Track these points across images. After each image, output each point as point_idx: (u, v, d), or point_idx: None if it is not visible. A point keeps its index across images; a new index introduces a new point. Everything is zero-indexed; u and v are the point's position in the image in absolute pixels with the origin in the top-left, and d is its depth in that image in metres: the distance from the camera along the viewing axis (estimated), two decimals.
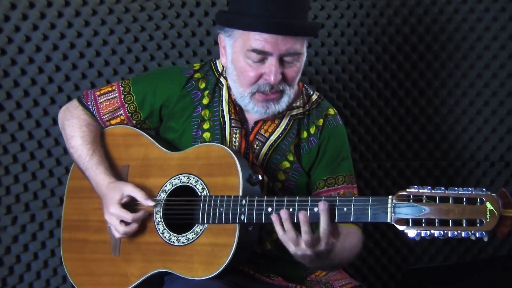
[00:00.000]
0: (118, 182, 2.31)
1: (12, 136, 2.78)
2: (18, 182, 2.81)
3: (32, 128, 2.80)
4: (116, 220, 2.25)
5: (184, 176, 2.25)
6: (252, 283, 2.26)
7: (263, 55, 2.16)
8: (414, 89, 3.43)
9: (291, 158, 2.33)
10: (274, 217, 2.02)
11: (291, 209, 2.03)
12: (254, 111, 2.27)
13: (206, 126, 2.35)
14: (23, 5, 2.70)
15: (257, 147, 2.32)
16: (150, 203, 2.23)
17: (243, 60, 2.19)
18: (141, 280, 2.26)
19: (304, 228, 1.98)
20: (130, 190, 2.26)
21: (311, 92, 2.41)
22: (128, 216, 2.24)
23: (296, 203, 2.04)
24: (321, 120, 2.36)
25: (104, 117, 2.44)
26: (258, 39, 2.14)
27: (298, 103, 2.36)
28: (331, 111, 2.39)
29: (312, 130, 2.35)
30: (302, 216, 1.98)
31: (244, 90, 2.23)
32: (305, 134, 2.35)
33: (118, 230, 2.26)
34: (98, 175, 2.33)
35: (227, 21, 2.23)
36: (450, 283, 3.29)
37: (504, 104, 3.51)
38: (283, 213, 2.00)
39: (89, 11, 2.82)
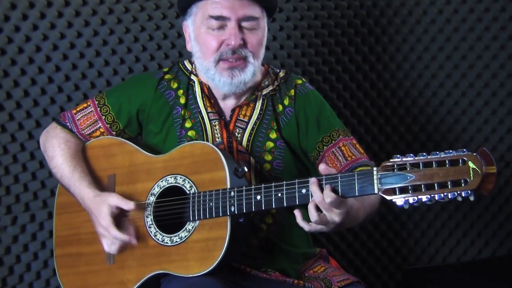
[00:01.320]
0: (102, 194, 2.32)
1: (12, 136, 2.78)
2: (18, 182, 2.82)
3: (32, 128, 2.81)
4: (106, 231, 2.27)
5: (171, 177, 2.26)
6: (249, 280, 2.26)
7: (221, 21, 2.24)
8: (413, 89, 3.43)
9: (273, 136, 2.35)
10: (311, 205, 2.00)
11: (279, 194, 2.06)
12: (221, 83, 2.29)
13: (188, 124, 2.37)
14: (23, 5, 2.70)
15: (239, 134, 2.34)
16: (131, 205, 2.24)
17: (204, 31, 2.27)
18: (138, 284, 2.26)
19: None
20: (114, 201, 2.27)
21: (278, 70, 2.46)
22: (116, 234, 2.24)
23: (284, 187, 2.06)
24: (292, 90, 2.40)
25: (83, 132, 2.45)
26: (215, 6, 2.23)
27: (266, 82, 2.40)
28: (299, 81, 2.44)
29: (286, 102, 2.38)
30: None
31: (208, 61, 2.28)
32: (280, 108, 2.38)
33: (109, 245, 2.28)
34: (82, 190, 2.34)
35: (186, 0, 2.31)
36: (450, 283, 3.29)
37: (504, 104, 3.51)
38: (311, 181, 2.00)
39: (89, 11, 2.82)
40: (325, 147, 2.34)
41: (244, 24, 2.25)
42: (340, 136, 2.36)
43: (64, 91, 2.84)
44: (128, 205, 2.25)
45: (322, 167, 2.02)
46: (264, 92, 2.38)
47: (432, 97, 3.46)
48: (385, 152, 3.44)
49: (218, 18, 2.23)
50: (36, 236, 2.88)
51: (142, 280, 2.25)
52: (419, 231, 3.55)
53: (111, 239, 2.27)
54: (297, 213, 2.03)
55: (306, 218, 2.04)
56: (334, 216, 2.00)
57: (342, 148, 2.34)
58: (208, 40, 2.27)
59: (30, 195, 2.85)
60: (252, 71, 2.28)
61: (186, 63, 2.45)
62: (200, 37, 2.29)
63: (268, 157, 2.33)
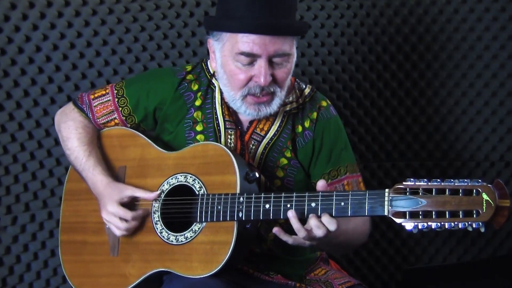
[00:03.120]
0: (116, 183, 2.32)
1: (12, 136, 2.78)
2: (18, 182, 2.82)
3: (32, 128, 2.81)
4: (115, 217, 2.26)
5: (181, 175, 2.26)
6: (251, 282, 2.26)
7: (252, 58, 2.16)
8: (414, 89, 3.43)
9: (288, 154, 2.33)
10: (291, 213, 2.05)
11: (288, 205, 2.05)
12: (246, 114, 2.27)
13: (199, 128, 2.35)
14: (23, 5, 2.70)
15: (253, 147, 2.32)
16: (154, 194, 2.24)
17: (232, 63, 2.19)
18: (140, 280, 2.26)
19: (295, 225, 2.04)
20: (130, 191, 2.27)
21: (304, 86, 2.41)
22: (127, 214, 2.24)
23: (294, 198, 2.05)
24: (315, 113, 2.36)
25: (98, 120, 2.44)
26: (246, 41, 2.14)
27: (290, 98, 2.35)
28: (324, 103, 2.39)
29: (306, 124, 2.35)
30: (290, 214, 2.03)
31: (235, 94, 2.23)
32: (300, 128, 2.35)
33: (119, 227, 2.26)
34: (96, 176, 2.34)
35: (214, 25, 2.23)
36: (450, 283, 3.30)
37: (504, 104, 3.51)
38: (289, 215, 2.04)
39: (89, 11, 2.82)
40: (329, 180, 2.33)
41: (275, 60, 2.17)
42: (347, 173, 2.34)
43: (64, 91, 2.84)
44: (150, 195, 2.24)
45: (320, 184, 2.04)
46: (287, 108, 2.34)
47: (433, 97, 3.45)
48: (385, 152, 3.44)
49: (248, 55, 2.15)
50: (36, 236, 2.88)
51: (144, 276, 2.26)
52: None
53: (117, 221, 2.26)
54: (277, 231, 2.05)
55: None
56: (322, 233, 2.02)
57: (346, 186, 2.33)
58: (236, 74, 2.19)
59: (30, 195, 2.85)
60: (278, 103, 2.24)
61: (209, 64, 2.39)
62: (228, 68, 2.21)
63: (280, 174, 2.32)
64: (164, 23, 2.97)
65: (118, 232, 2.28)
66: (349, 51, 3.30)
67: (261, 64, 2.16)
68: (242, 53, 2.15)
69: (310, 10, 3.20)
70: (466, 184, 1.82)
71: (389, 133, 3.43)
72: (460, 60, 3.44)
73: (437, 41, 3.40)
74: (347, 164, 2.35)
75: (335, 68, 3.30)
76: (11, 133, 2.78)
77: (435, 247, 3.57)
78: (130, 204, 2.29)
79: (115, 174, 2.38)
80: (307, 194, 2.04)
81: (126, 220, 2.25)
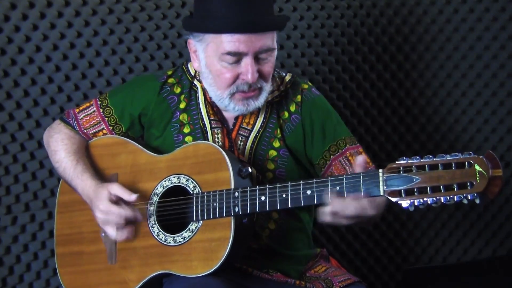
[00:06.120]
0: (104, 183, 2.30)
1: (12, 136, 2.78)
2: (18, 182, 2.82)
3: (32, 128, 2.81)
4: (110, 215, 2.23)
5: (174, 177, 2.26)
6: (250, 280, 2.26)
7: (238, 56, 2.17)
8: (414, 89, 3.43)
9: (276, 144, 2.33)
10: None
11: (284, 195, 2.06)
12: (235, 110, 2.27)
13: (186, 130, 2.36)
14: (23, 5, 2.70)
15: (241, 143, 2.33)
16: (133, 197, 2.20)
17: (218, 63, 2.20)
18: (140, 285, 2.26)
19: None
20: (115, 189, 2.24)
21: (284, 74, 2.42)
22: (121, 210, 2.21)
23: (289, 188, 2.06)
24: (299, 96, 2.36)
25: (86, 131, 2.45)
26: (231, 41, 2.15)
27: (271, 88, 2.35)
28: (305, 86, 2.40)
29: (292, 108, 2.36)
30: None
31: (222, 92, 2.24)
32: (286, 114, 2.36)
33: (117, 222, 2.22)
34: (85, 181, 2.33)
35: (196, 26, 2.23)
36: (450, 283, 3.30)
37: (504, 104, 3.51)
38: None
39: (89, 11, 2.82)
40: (331, 156, 2.33)
41: (261, 55, 2.18)
42: (347, 145, 2.34)
43: (64, 91, 2.84)
44: (130, 197, 2.21)
45: (361, 159, 2.01)
46: (269, 98, 2.34)
47: (433, 97, 3.46)
48: (385, 152, 3.44)
49: (235, 54, 2.15)
50: (36, 236, 2.88)
51: (144, 280, 2.25)
52: (419, 231, 3.55)
53: (114, 221, 2.23)
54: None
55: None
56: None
57: (349, 157, 2.33)
58: (223, 74, 2.20)
59: (30, 195, 2.85)
60: (265, 96, 2.26)
61: (190, 66, 2.40)
62: (214, 68, 2.22)
63: (271, 166, 2.33)
64: (164, 23, 2.97)
65: (115, 234, 2.24)
66: (349, 51, 3.31)
67: (247, 62, 2.17)
68: (229, 53, 2.16)
69: (310, 10, 3.20)
70: (458, 157, 1.83)
71: (389, 133, 3.44)
72: (459, 60, 3.44)
73: (436, 41, 3.40)
74: (344, 137, 2.35)
75: (335, 68, 3.30)
76: (11, 133, 2.78)
77: (435, 247, 3.57)
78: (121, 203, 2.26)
79: (106, 181, 2.35)
80: (301, 182, 2.05)
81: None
